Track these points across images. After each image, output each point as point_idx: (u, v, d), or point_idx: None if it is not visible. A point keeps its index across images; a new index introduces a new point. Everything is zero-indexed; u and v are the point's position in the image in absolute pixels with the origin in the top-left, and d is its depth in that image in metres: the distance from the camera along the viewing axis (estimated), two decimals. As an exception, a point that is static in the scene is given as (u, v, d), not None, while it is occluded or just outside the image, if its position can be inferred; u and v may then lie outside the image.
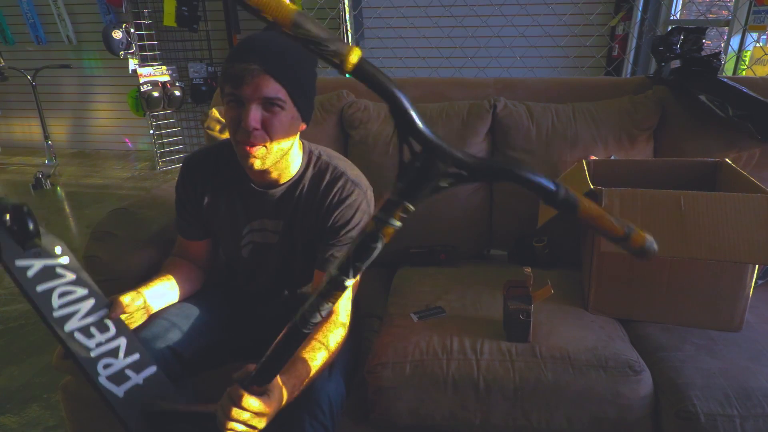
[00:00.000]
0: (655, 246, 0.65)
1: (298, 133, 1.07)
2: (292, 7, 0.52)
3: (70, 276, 0.91)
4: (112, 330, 0.93)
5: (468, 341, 1.17)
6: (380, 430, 1.19)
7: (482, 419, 1.14)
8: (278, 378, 0.84)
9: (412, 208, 0.64)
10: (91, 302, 0.92)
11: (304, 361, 0.95)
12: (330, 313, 1.05)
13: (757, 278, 1.24)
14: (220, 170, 1.16)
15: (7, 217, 0.85)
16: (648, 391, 1.11)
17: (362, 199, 1.10)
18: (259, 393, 0.81)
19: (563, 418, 1.12)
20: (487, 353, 1.14)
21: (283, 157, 1.06)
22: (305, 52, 1.02)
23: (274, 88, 0.96)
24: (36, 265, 0.88)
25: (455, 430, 1.16)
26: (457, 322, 1.25)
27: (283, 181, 1.12)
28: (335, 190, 1.10)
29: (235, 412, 0.80)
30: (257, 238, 1.18)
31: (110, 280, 1.38)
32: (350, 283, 0.71)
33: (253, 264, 1.21)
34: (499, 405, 1.12)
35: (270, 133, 0.99)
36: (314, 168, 1.13)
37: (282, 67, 0.96)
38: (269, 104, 0.97)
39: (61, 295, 0.89)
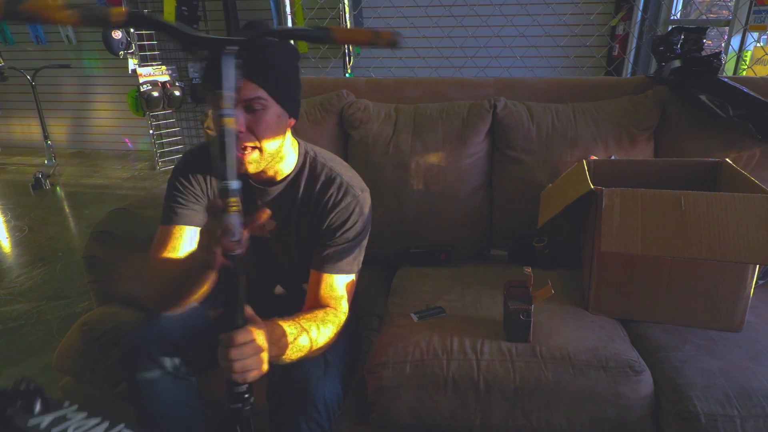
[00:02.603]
0: (401, 36, 0.76)
1: (289, 130, 1.09)
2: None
3: (82, 414, 0.94)
4: None
5: (468, 341, 1.17)
6: (380, 430, 1.19)
7: (482, 419, 1.13)
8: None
9: (233, 95, 0.75)
10: (105, 425, 0.93)
11: (281, 329, 0.95)
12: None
13: (758, 278, 1.23)
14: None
15: (18, 403, 0.90)
16: (648, 391, 1.11)
17: (356, 203, 1.11)
18: (243, 325, 0.83)
19: (563, 418, 1.12)
20: (488, 353, 1.14)
21: (277, 154, 1.07)
22: (283, 48, 1.04)
23: (251, 89, 0.97)
24: (47, 418, 0.92)
25: (455, 430, 1.16)
26: (458, 322, 1.25)
27: (279, 178, 1.13)
28: (330, 193, 1.11)
29: (235, 352, 0.81)
30: (253, 231, 1.18)
31: (110, 280, 1.38)
32: (235, 186, 0.78)
33: (248, 259, 1.22)
34: (499, 405, 1.12)
35: (257, 133, 1.00)
36: (309, 169, 1.14)
37: (257, 68, 0.98)
38: (251, 106, 0.98)
39: (76, 429, 0.92)
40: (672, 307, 1.25)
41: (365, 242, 1.15)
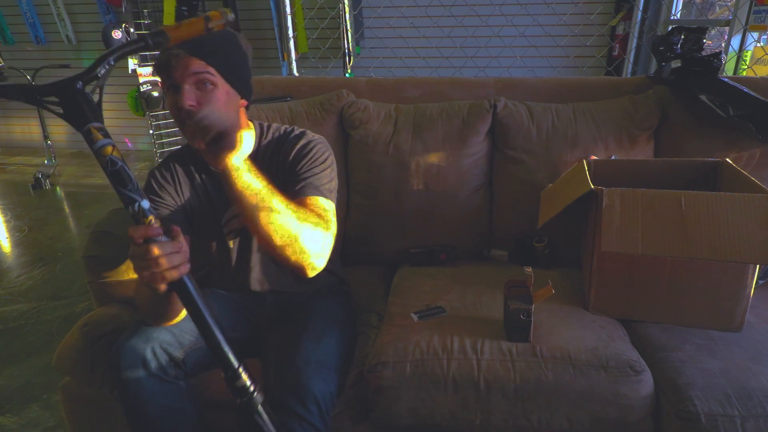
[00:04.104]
0: (231, 14, 0.76)
1: (241, 110, 1.14)
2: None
3: None
4: None
5: (468, 341, 1.17)
6: (380, 429, 1.19)
7: (483, 419, 1.13)
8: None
9: (101, 125, 0.76)
10: None
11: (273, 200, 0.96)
12: None
13: (758, 278, 1.23)
14: (187, 167, 1.21)
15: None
16: (649, 391, 1.11)
17: (314, 140, 1.20)
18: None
19: (564, 418, 1.12)
20: (488, 353, 1.14)
21: None
22: (229, 36, 1.07)
23: (200, 66, 1.02)
24: None
25: (456, 430, 1.16)
26: (458, 321, 1.25)
27: None
28: (289, 140, 1.20)
29: (156, 248, 0.77)
30: (236, 224, 1.21)
31: (110, 281, 1.38)
32: (147, 205, 0.78)
33: (242, 252, 1.23)
34: (499, 405, 1.12)
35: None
36: (266, 136, 1.22)
37: (204, 48, 1.02)
38: (201, 83, 1.03)
39: None
40: (672, 307, 1.25)
41: (335, 177, 1.19)
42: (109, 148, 0.76)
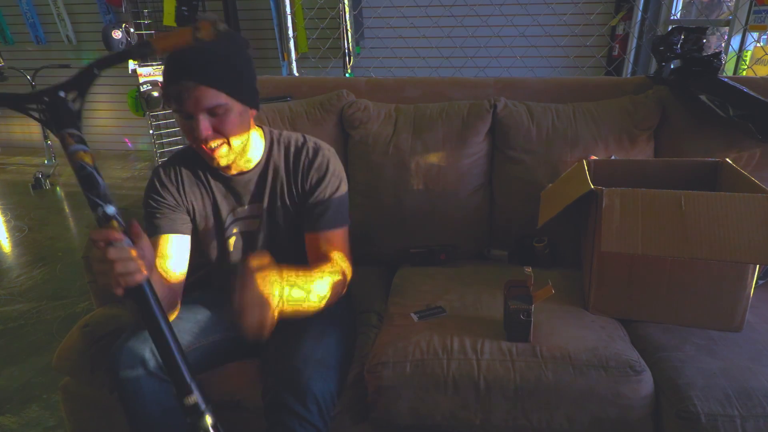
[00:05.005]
0: (222, 25, 0.76)
1: (251, 121, 1.14)
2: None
3: None
4: None
5: (468, 341, 1.17)
6: (380, 429, 1.19)
7: (483, 419, 1.13)
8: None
9: (76, 132, 0.79)
10: None
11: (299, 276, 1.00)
12: None
13: (758, 278, 1.23)
14: (192, 167, 1.21)
15: None
16: (649, 391, 1.11)
17: (328, 160, 1.20)
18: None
19: (564, 418, 1.12)
20: (488, 353, 1.14)
21: (245, 145, 1.13)
22: (233, 45, 1.06)
23: (213, 96, 1.00)
24: None
25: (455, 430, 1.16)
26: (458, 321, 1.25)
27: (252, 166, 1.19)
28: (303, 156, 1.19)
29: (113, 251, 0.78)
30: (241, 227, 1.22)
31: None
32: (112, 210, 0.80)
33: (243, 252, 1.24)
34: (499, 405, 1.12)
35: (224, 133, 1.05)
36: (278, 145, 1.21)
37: (214, 74, 1.00)
38: (214, 111, 1.02)
39: None
40: (672, 307, 1.25)
41: (347, 194, 1.22)
42: (81, 153, 0.78)
